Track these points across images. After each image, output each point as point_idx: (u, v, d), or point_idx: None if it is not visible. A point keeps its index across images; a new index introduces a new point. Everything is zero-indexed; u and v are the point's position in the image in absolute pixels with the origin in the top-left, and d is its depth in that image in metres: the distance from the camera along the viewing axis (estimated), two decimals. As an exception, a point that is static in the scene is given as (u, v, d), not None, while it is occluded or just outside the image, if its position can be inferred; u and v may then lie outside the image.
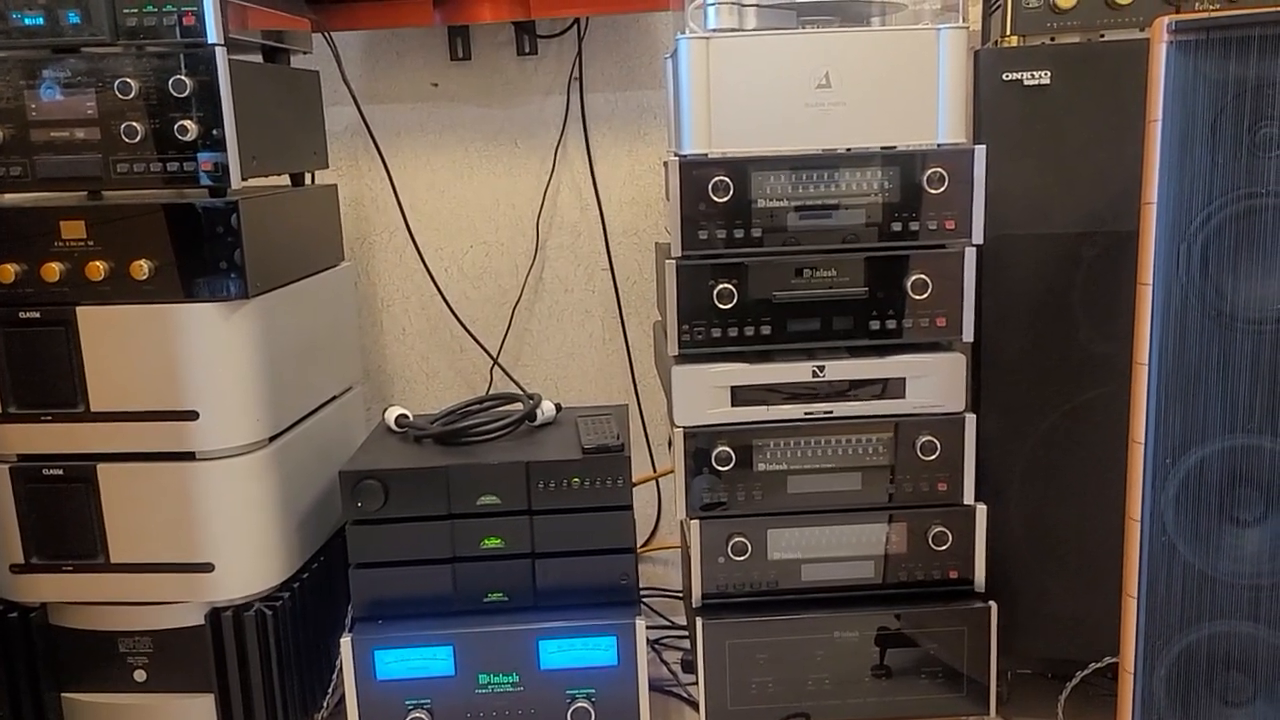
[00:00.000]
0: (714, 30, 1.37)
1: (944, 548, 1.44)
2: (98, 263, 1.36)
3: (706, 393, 1.41)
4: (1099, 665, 1.47)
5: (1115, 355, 1.43)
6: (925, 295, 1.39)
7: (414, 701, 1.43)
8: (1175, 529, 1.17)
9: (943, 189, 1.36)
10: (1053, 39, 1.43)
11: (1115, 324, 1.43)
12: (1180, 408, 1.15)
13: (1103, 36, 1.44)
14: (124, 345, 1.37)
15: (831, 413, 1.42)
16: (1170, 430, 1.16)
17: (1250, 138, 1.10)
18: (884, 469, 1.43)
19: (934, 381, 1.41)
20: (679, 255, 1.38)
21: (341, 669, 1.42)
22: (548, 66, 1.92)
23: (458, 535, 1.45)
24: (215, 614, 1.44)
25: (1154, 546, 1.17)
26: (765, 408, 1.42)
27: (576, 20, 1.88)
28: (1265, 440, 1.14)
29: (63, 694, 1.50)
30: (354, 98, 1.86)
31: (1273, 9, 1.07)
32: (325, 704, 1.56)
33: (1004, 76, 1.41)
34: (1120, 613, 1.21)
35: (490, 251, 1.99)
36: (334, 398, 1.72)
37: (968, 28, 1.36)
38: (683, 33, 1.35)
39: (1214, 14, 1.09)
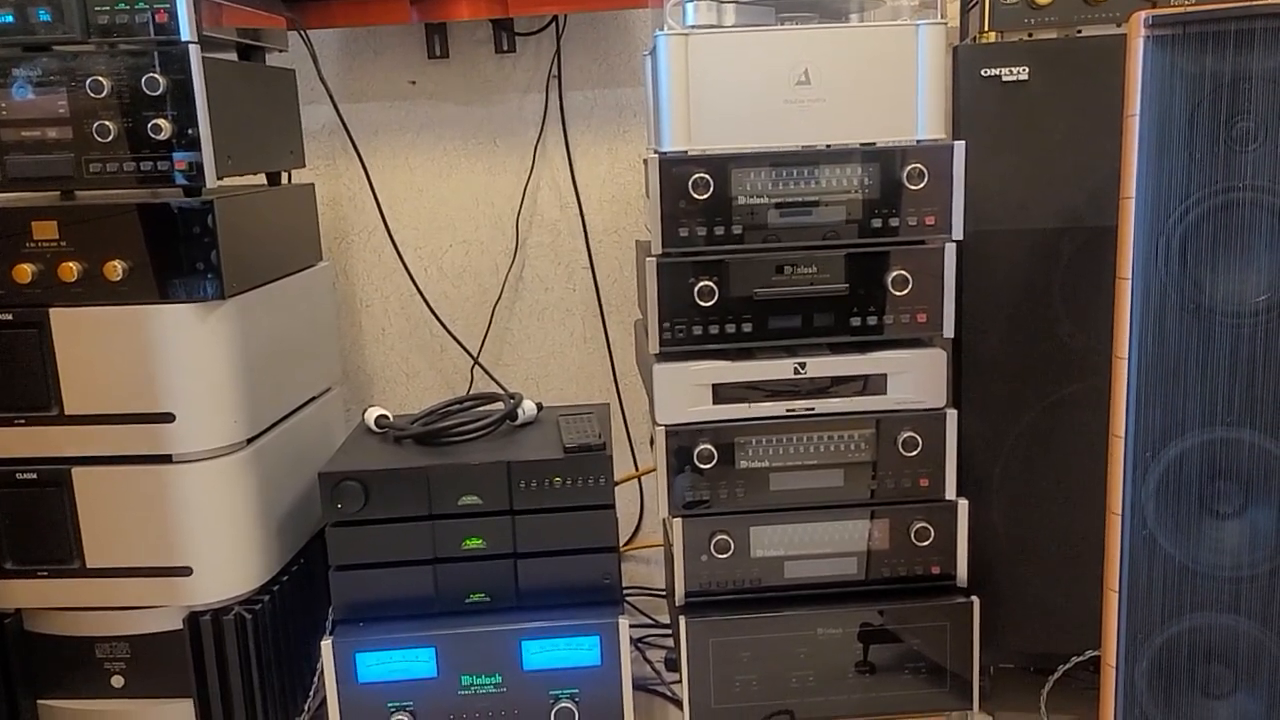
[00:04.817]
0: (693, 27, 1.36)
1: (926, 543, 1.44)
2: (71, 264, 1.35)
3: (688, 391, 1.40)
4: (1081, 659, 1.47)
5: (1095, 349, 1.44)
6: (906, 291, 1.39)
7: (396, 704, 1.42)
8: (1156, 522, 1.17)
9: (922, 185, 1.36)
10: (1030, 35, 1.44)
11: (1095, 318, 1.44)
12: (1160, 401, 1.15)
13: (1080, 32, 1.45)
14: (98, 347, 1.36)
15: (813, 410, 1.42)
16: (1150, 424, 1.16)
17: (1227, 132, 1.10)
18: (866, 465, 1.43)
19: (915, 377, 1.41)
20: (659, 253, 1.37)
21: (322, 672, 1.41)
22: (526, 64, 1.92)
23: (439, 536, 1.44)
24: (194, 618, 1.43)
25: (1135, 540, 1.18)
26: (747, 405, 1.41)
27: (555, 17, 1.88)
28: (1244, 433, 1.15)
29: (39, 700, 1.48)
30: (331, 96, 1.85)
31: (1248, 4, 1.08)
32: (306, 708, 1.55)
33: (983, 72, 1.41)
34: (1102, 606, 1.21)
35: (470, 250, 1.98)
36: (313, 399, 1.71)
37: (946, 23, 1.36)
38: (661, 29, 1.34)
39: (1190, 9, 1.10)
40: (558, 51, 1.90)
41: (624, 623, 1.43)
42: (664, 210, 1.36)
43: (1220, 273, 1.13)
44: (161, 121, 1.32)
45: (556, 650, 1.43)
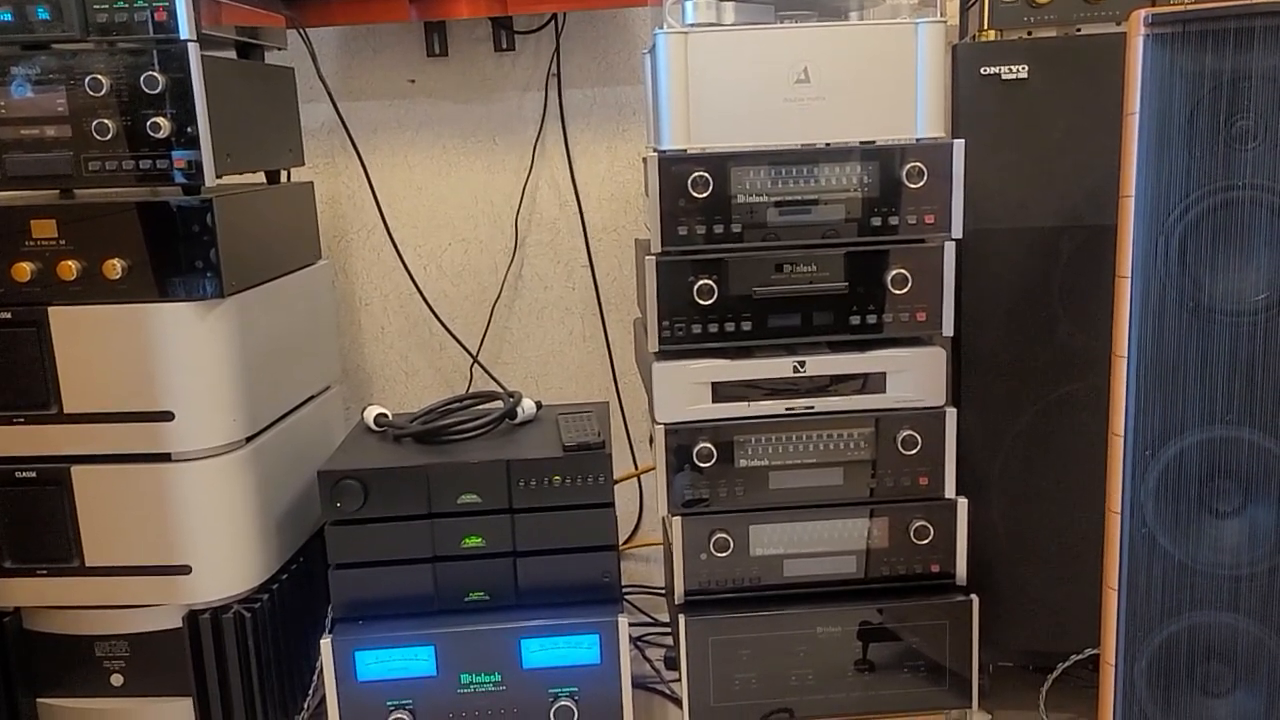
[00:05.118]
0: (692, 25, 1.36)
1: (925, 542, 1.44)
2: (70, 262, 1.35)
3: (687, 389, 1.40)
4: (1080, 657, 1.47)
5: (1094, 348, 1.44)
6: (905, 290, 1.39)
7: (395, 702, 1.42)
8: (1155, 520, 1.17)
9: (922, 183, 1.36)
10: (1030, 33, 1.44)
11: (1094, 317, 1.44)
12: (1159, 400, 1.15)
13: (1079, 30, 1.45)
14: (97, 346, 1.36)
15: (812, 408, 1.42)
16: (1149, 422, 1.16)
17: (1227, 130, 1.10)
18: (865, 464, 1.43)
19: (914, 376, 1.41)
20: (659, 251, 1.37)
21: (322, 670, 1.41)
22: (525, 62, 1.92)
23: (438, 534, 1.44)
24: (193, 616, 1.43)
25: (1134, 538, 1.18)
26: (746, 403, 1.41)
27: (554, 15, 1.87)
28: (1243, 431, 1.15)
29: (39, 699, 1.48)
30: (330, 94, 1.85)
31: (1247, 2, 1.08)
32: (306, 706, 1.54)
33: (982, 71, 1.41)
34: (1101, 604, 1.21)
35: (469, 249, 1.98)
36: (312, 397, 1.71)
37: (945, 22, 1.36)
38: (661, 28, 1.34)
39: (1190, 7, 1.10)
40: (557, 49, 1.90)
41: (623, 621, 1.43)
42: (663, 209, 1.36)
43: (1220, 271, 1.13)
44: (160, 120, 1.32)
45: (556, 649, 1.43)
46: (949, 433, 1.42)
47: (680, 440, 1.41)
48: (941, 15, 1.38)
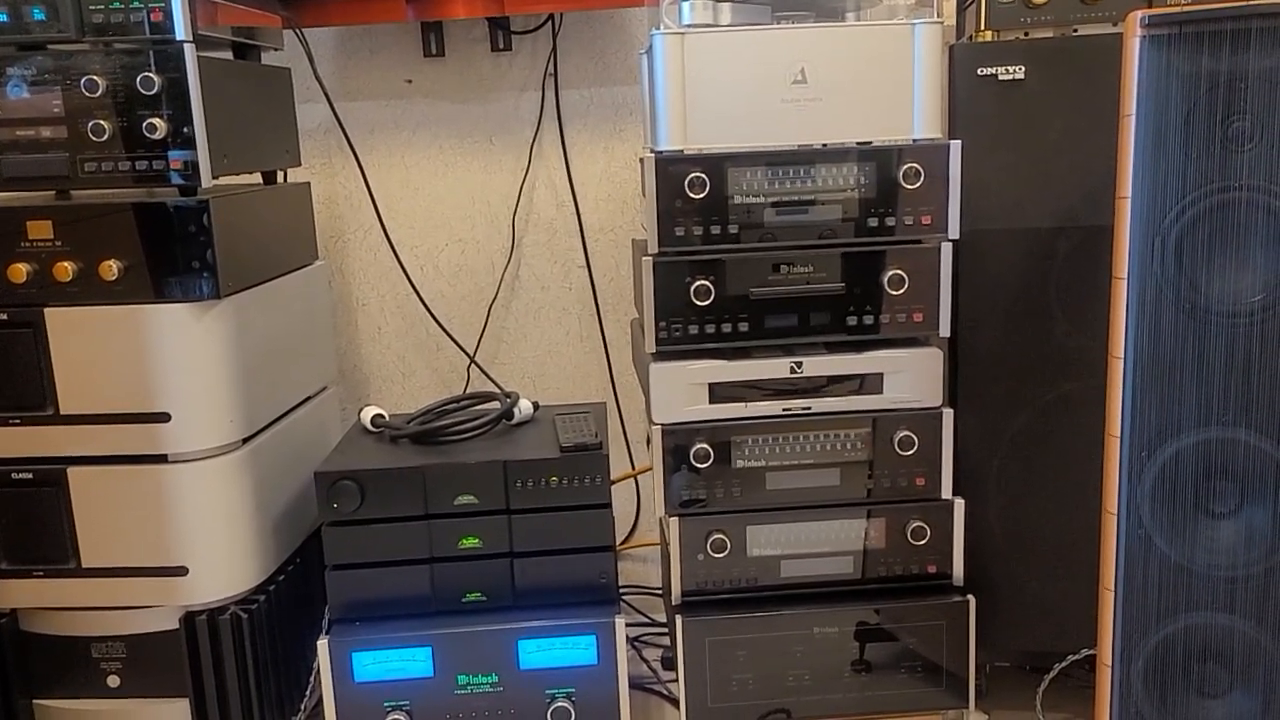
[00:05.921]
0: (689, 26, 1.36)
1: (922, 542, 1.44)
2: (66, 263, 1.34)
3: (684, 390, 1.40)
4: (1077, 657, 1.48)
5: (1091, 349, 1.44)
6: (902, 290, 1.39)
7: (392, 703, 1.42)
8: (1151, 521, 1.17)
9: (919, 184, 1.36)
10: (1027, 34, 1.44)
11: (1091, 318, 1.44)
12: (1155, 401, 1.16)
13: (1076, 31, 1.45)
14: (94, 347, 1.36)
15: (809, 409, 1.42)
16: (1146, 423, 1.16)
17: (1223, 131, 1.10)
18: (862, 464, 1.43)
19: (911, 377, 1.41)
20: (655, 252, 1.37)
21: (319, 671, 1.41)
22: (522, 62, 1.91)
23: (435, 535, 1.44)
24: (190, 618, 1.42)
25: (1130, 539, 1.18)
26: (743, 404, 1.41)
27: (551, 16, 1.87)
28: (1239, 433, 1.15)
29: (35, 700, 1.48)
30: (326, 95, 1.84)
31: (1244, 3, 1.08)
32: (303, 707, 1.54)
33: (979, 71, 1.41)
34: (1097, 605, 1.21)
35: (466, 249, 1.97)
36: (309, 398, 1.70)
37: (942, 23, 1.36)
38: (658, 28, 1.34)
39: (1186, 8, 1.10)
40: (554, 50, 1.90)
41: (620, 622, 1.43)
42: (660, 209, 1.36)
43: (1216, 272, 1.13)
44: (156, 120, 1.32)
45: (553, 649, 1.43)
46: (946, 433, 1.42)
47: (677, 441, 1.41)
48: (938, 16, 1.38)
